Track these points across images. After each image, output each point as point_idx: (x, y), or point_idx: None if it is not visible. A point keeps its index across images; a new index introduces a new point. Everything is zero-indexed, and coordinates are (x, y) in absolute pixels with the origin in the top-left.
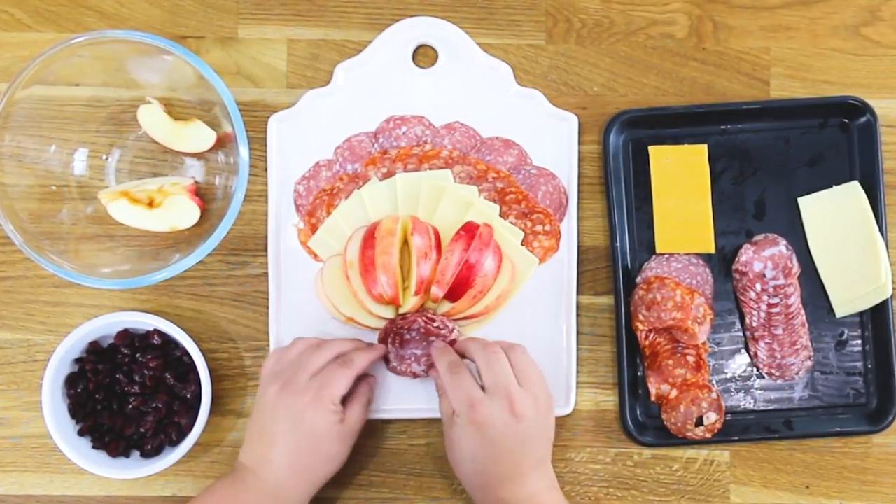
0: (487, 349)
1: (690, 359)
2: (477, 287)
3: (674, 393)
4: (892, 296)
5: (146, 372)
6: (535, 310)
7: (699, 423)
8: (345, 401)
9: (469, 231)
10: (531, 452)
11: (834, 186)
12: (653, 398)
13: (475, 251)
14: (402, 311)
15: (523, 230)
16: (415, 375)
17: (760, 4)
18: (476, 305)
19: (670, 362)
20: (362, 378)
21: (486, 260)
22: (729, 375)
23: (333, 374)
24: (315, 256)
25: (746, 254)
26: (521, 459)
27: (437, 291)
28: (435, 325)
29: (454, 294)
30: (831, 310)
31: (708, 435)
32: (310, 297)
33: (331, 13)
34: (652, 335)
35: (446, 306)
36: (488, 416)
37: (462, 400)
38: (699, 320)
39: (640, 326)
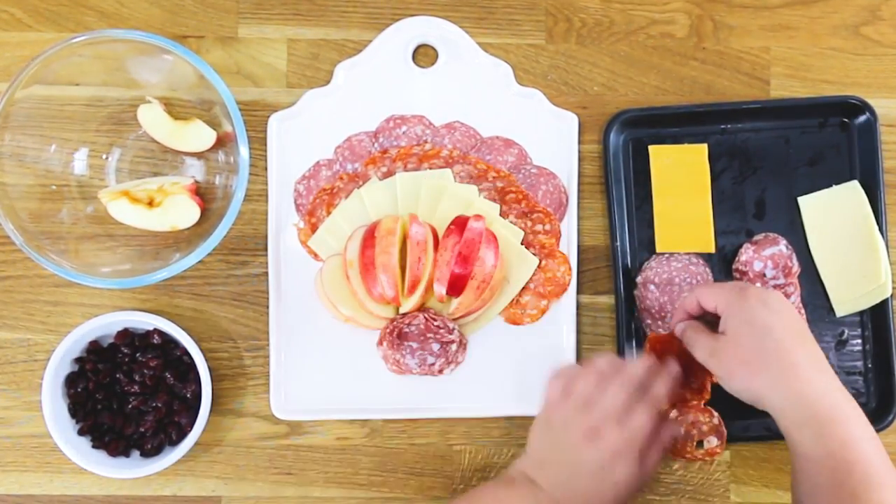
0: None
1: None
2: (478, 278)
3: (673, 413)
4: (892, 295)
5: (146, 371)
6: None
7: (699, 445)
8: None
9: (459, 224)
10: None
11: (834, 186)
12: None
13: (467, 242)
14: (402, 310)
15: (523, 230)
16: (409, 371)
17: (760, 4)
18: (482, 296)
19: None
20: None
21: (482, 250)
22: None
23: (644, 423)
24: (315, 256)
25: (746, 253)
26: (813, 343)
27: (440, 288)
28: (436, 323)
29: (455, 288)
30: (831, 309)
31: (708, 458)
32: (310, 297)
33: (331, 13)
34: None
35: (453, 304)
36: (758, 290)
37: (729, 291)
38: None
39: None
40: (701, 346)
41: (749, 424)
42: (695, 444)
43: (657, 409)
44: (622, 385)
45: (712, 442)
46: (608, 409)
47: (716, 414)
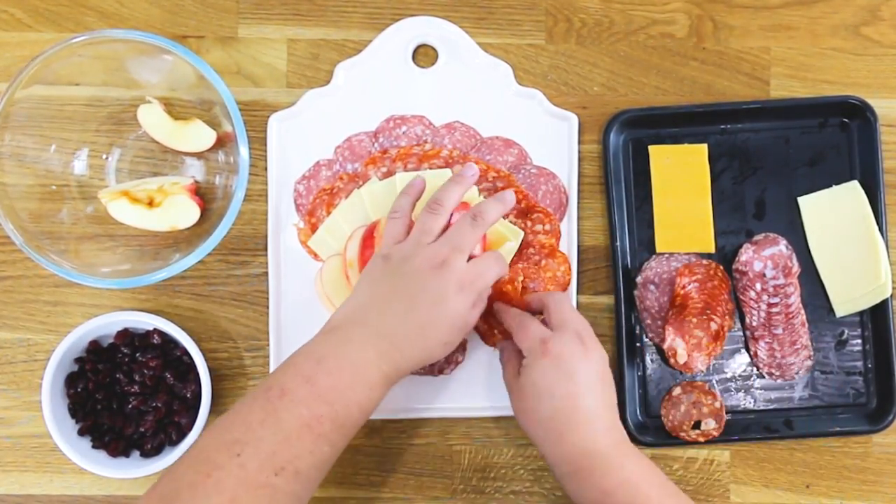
0: (553, 295)
1: (714, 325)
2: None
3: (677, 391)
4: (892, 295)
5: (146, 371)
6: None
7: (696, 426)
8: None
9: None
10: (606, 396)
11: (834, 186)
12: (665, 347)
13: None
14: None
15: (523, 230)
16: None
17: (760, 4)
18: None
19: (694, 320)
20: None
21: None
22: (729, 375)
23: (489, 264)
24: (315, 256)
25: (746, 253)
26: (599, 400)
27: None
28: None
29: None
30: (831, 309)
31: (701, 439)
32: (310, 297)
33: (331, 13)
34: (692, 286)
35: None
36: (561, 347)
37: (532, 339)
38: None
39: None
40: (506, 373)
41: (749, 424)
42: (692, 424)
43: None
44: (473, 225)
45: (710, 424)
46: (457, 243)
47: (719, 397)
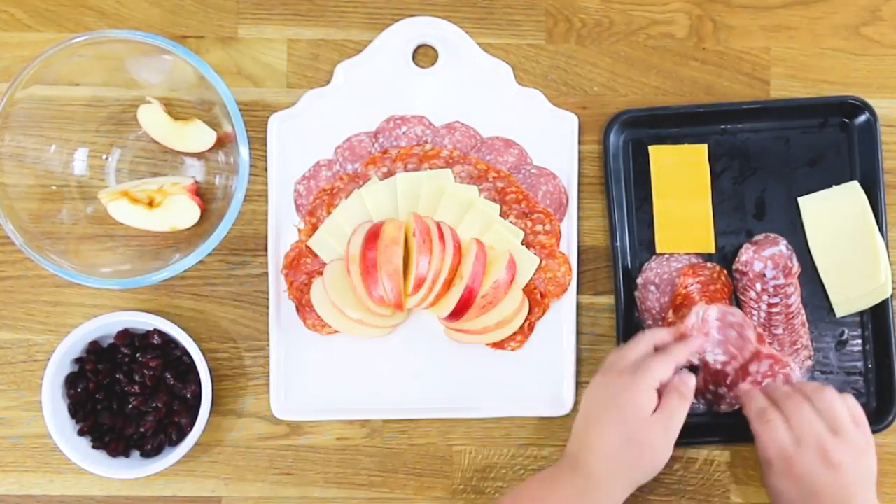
0: (791, 398)
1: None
2: (487, 298)
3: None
4: (892, 295)
5: (146, 372)
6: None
7: None
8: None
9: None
10: (853, 499)
11: (834, 186)
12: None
13: (475, 273)
14: (406, 307)
15: (523, 230)
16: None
17: (760, 4)
18: (488, 314)
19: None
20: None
21: (489, 275)
22: None
23: (651, 360)
24: (315, 257)
25: (746, 253)
26: None
27: (443, 313)
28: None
29: (457, 316)
30: (831, 310)
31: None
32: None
33: (331, 13)
34: (694, 287)
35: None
36: (803, 468)
37: (775, 452)
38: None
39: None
40: (764, 468)
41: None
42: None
43: (673, 360)
44: (642, 343)
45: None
46: (625, 356)
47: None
